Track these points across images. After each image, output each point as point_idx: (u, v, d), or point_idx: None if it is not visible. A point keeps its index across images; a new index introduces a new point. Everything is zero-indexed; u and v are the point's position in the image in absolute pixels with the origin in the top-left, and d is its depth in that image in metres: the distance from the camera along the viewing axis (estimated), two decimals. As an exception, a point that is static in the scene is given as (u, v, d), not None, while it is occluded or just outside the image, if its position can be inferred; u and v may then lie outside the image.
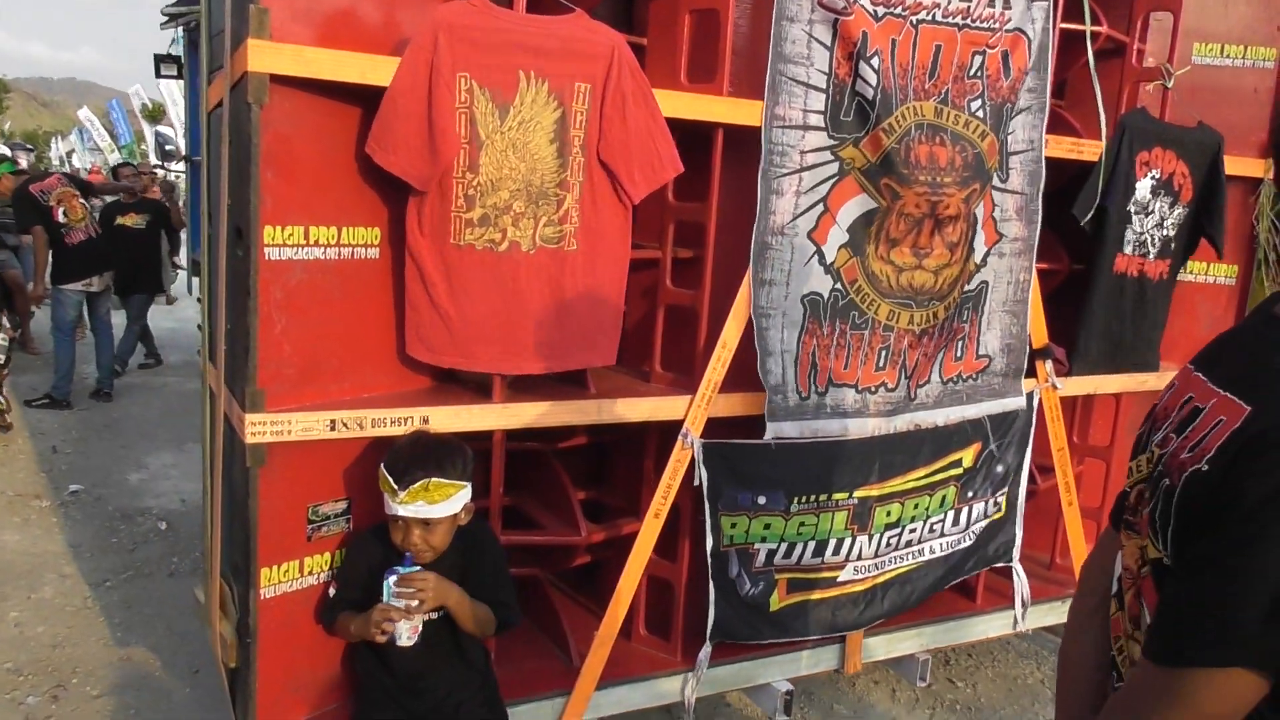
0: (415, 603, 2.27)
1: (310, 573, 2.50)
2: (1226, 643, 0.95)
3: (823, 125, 2.80)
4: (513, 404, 2.63)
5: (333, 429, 2.39)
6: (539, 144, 2.46)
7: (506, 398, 2.64)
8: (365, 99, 2.35)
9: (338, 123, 2.39)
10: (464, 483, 2.33)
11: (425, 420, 2.49)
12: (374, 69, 2.29)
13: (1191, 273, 3.97)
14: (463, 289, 2.50)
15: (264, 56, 2.17)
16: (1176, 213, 3.61)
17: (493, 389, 2.62)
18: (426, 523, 2.29)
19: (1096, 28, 3.45)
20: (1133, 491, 1.24)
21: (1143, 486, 1.20)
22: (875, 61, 2.77)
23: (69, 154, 32.09)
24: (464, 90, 2.37)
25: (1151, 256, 3.61)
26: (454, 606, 2.33)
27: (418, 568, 2.30)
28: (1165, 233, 3.62)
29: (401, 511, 2.26)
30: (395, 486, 2.25)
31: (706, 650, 2.98)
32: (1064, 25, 3.26)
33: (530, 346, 2.60)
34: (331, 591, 2.48)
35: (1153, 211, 3.56)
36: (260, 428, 2.30)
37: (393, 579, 2.28)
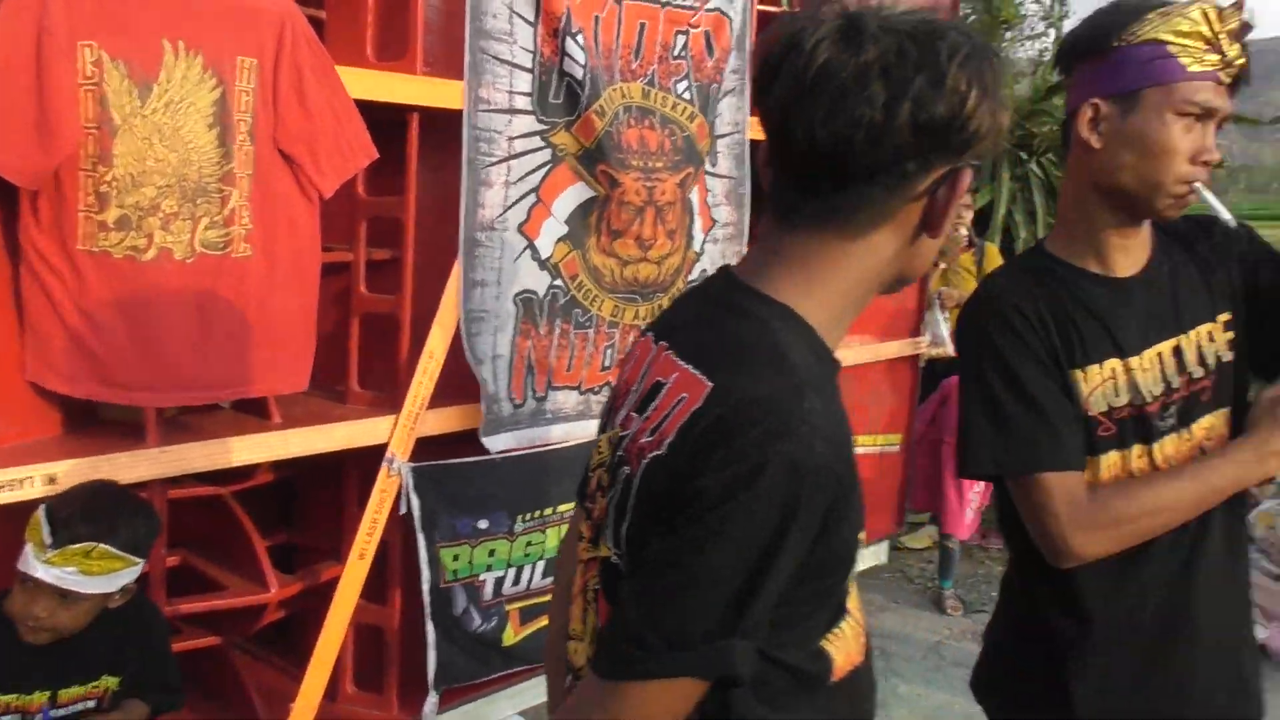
0: None
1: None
2: (674, 653, 0.84)
3: (531, 109, 2.53)
4: (173, 446, 2.13)
5: (-84, 507, 1.78)
6: (194, 130, 1.98)
7: (164, 438, 2.14)
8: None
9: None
10: (136, 560, 1.82)
11: (51, 480, 1.94)
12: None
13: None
14: (98, 305, 1.99)
15: None
16: None
17: (145, 428, 2.12)
18: (65, 595, 1.76)
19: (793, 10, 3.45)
20: (593, 476, 1.07)
21: (603, 471, 1.03)
22: (580, 39, 2.54)
23: None
24: (90, 63, 1.85)
25: None
26: None
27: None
28: None
29: (43, 574, 1.70)
30: (47, 540, 1.70)
31: (433, 701, 2.65)
32: (761, 7, 3.21)
33: (192, 373, 2.12)
34: None
35: None
36: None
37: None
